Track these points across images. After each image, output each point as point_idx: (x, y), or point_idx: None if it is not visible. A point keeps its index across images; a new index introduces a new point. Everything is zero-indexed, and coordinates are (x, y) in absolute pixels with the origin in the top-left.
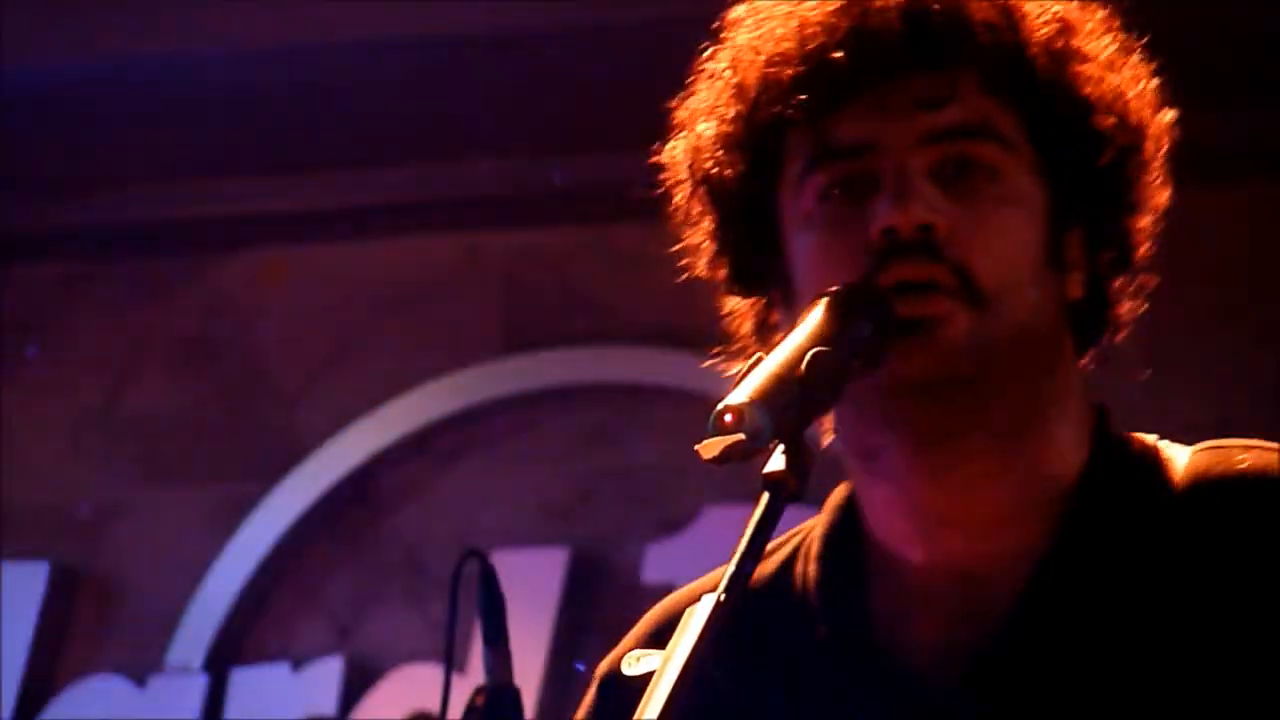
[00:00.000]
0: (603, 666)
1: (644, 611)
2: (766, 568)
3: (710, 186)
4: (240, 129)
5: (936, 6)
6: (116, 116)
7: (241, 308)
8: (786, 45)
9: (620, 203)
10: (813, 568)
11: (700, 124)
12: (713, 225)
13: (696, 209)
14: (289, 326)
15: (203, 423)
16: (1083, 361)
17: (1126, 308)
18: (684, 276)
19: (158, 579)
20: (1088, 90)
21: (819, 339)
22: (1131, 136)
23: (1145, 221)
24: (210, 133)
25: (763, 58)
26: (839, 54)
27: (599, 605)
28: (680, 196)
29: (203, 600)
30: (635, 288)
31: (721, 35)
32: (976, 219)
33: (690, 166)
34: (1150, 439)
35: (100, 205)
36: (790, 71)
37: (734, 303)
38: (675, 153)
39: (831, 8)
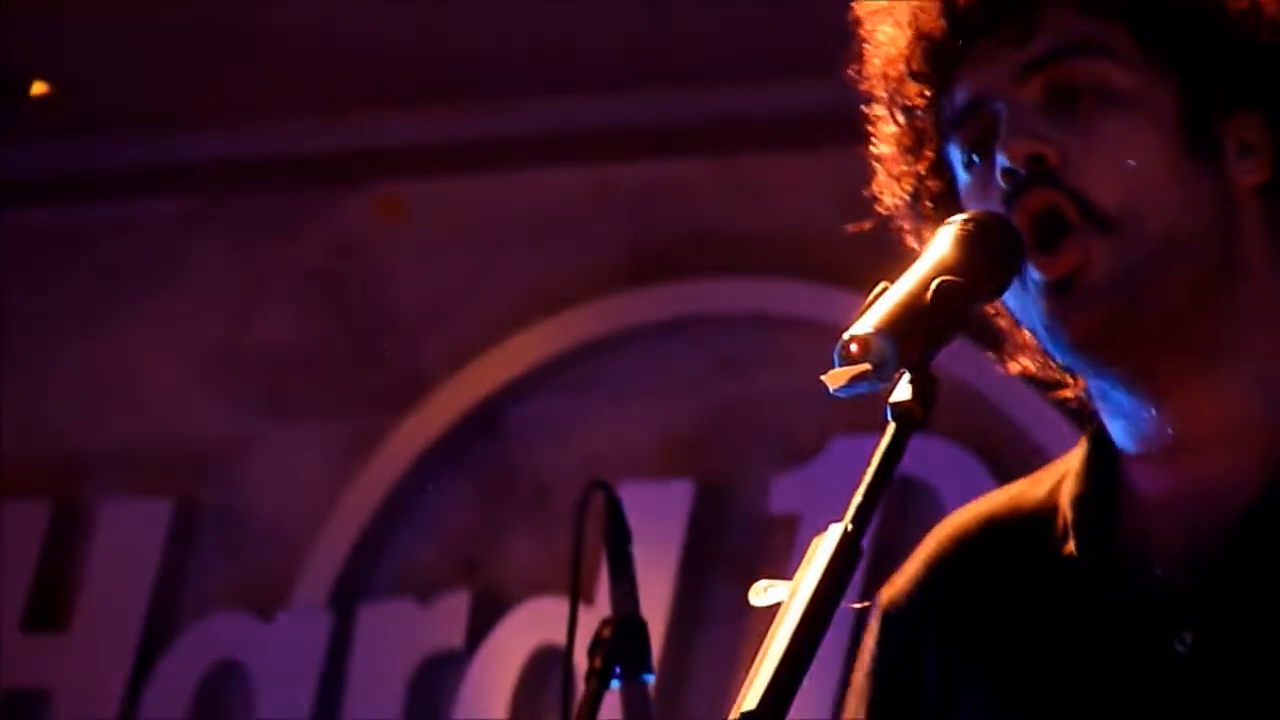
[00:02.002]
0: (884, 597)
1: (771, 543)
2: (1039, 490)
3: (908, 201)
4: (365, 63)
5: None
6: (240, 50)
7: (367, 241)
8: (897, 44)
9: (749, 135)
10: (1068, 488)
11: (877, 145)
12: (913, 212)
13: (913, 225)
14: (415, 260)
15: (329, 357)
16: None
17: None
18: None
19: (284, 514)
20: None
21: (944, 267)
22: (1270, 12)
23: None
24: (334, 67)
25: (883, 64)
26: (933, 31)
27: (725, 537)
28: (899, 219)
29: (329, 535)
30: (764, 219)
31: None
32: (1089, 139)
33: (888, 190)
34: None
35: (225, 139)
36: (905, 68)
37: None
38: (878, 183)
39: None
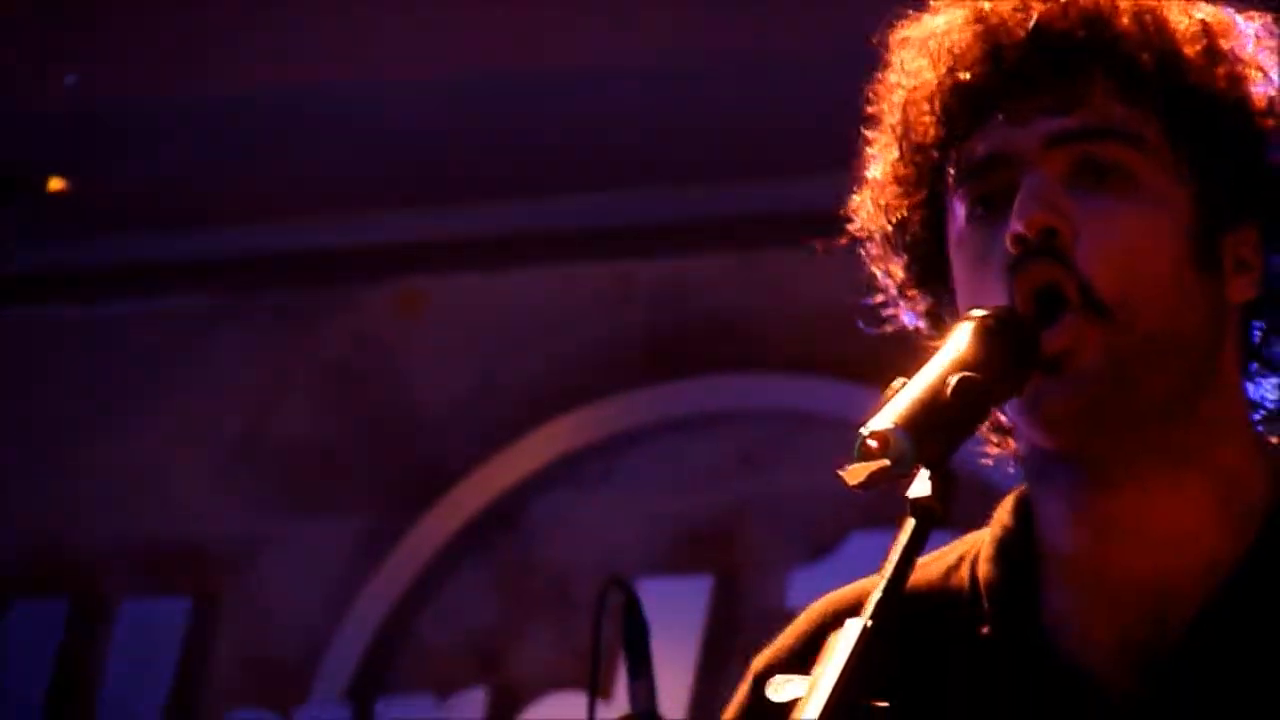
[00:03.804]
0: (759, 663)
1: None
2: (932, 572)
3: (887, 231)
4: (385, 160)
5: (1065, 19)
6: (261, 146)
7: (387, 337)
8: (926, 77)
9: (767, 230)
10: (984, 569)
11: (870, 169)
12: (902, 268)
13: (885, 254)
14: (435, 355)
15: (348, 453)
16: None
17: None
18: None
19: (302, 609)
20: (1235, 92)
21: (963, 363)
22: None
23: None
24: (356, 164)
25: (905, 94)
26: (969, 76)
27: (743, 633)
28: (870, 245)
29: (348, 630)
30: (782, 315)
31: (878, 76)
32: (1107, 225)
33: (871, 213)
34: None
35: (245, 236)
36: (929, 104)
37: (925, 333)
38: (859, 203)
39: (965, 35)
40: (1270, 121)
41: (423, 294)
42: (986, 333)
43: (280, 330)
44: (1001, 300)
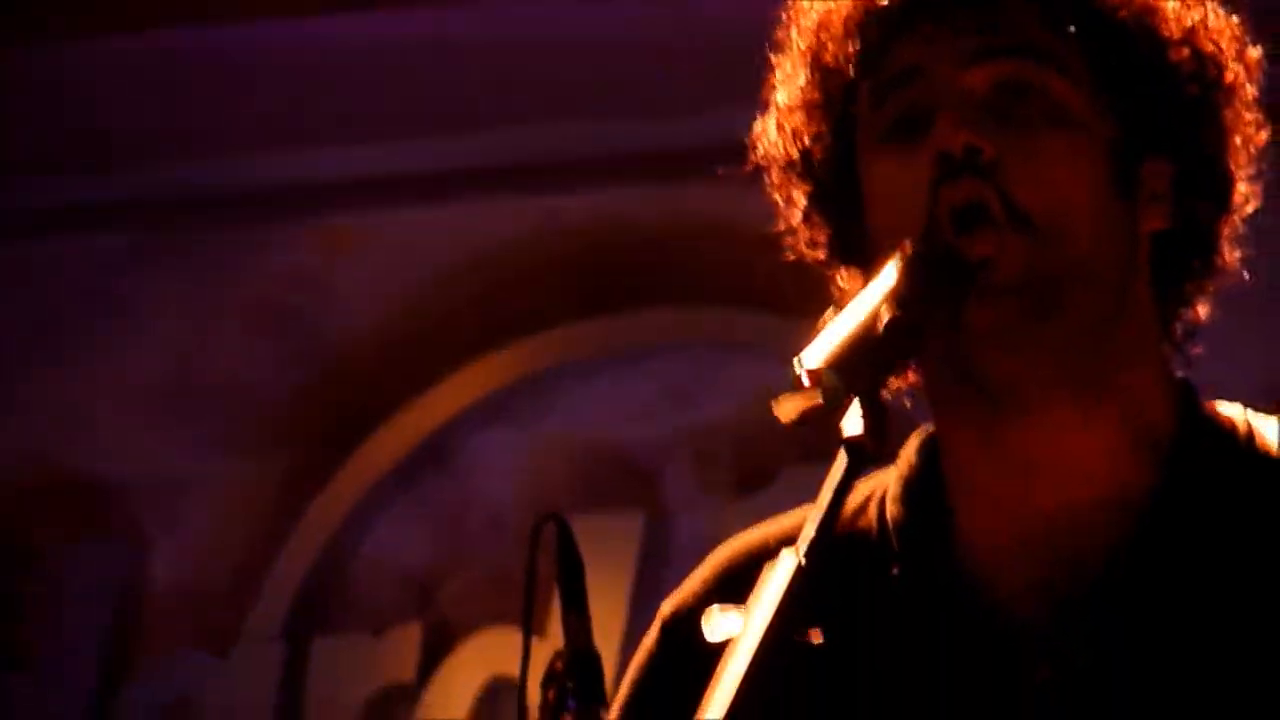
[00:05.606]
0: (666, 609)
1: None
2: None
3: (795, 158)
4: (311, 96)
5: None
6: (184, 85)
7: (314, 275)
8: (842, 2)
9: (698, 164)
10: (892, 509)
11: (779, 95)
12: (805, 195)
13: (788, 181)
14: (363, 293)
15: (278, 391)
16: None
17: (1221, 253)
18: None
19: (235, 549)
20: (1154, 22)
21: (895, 296)
22: (1207, 69)
23: (1239, 161)
24: (280, 100)
25: (819, 16)
26: None
27: (677, 567)
28: (773, 172)
29: (281, 569)
30: (711, 247)
31: (791, 7)
32: (1028, 144)
33: (775, 140)
34: (1236, 407)
35: (170, 174)
36: (844, 26)
37: (835, 271)
38: (762, 129)
39: None
40: (1185, 52)
41: (349, 231)
42: (917, 264)
43: (205, 268)
44: (920, 218)
